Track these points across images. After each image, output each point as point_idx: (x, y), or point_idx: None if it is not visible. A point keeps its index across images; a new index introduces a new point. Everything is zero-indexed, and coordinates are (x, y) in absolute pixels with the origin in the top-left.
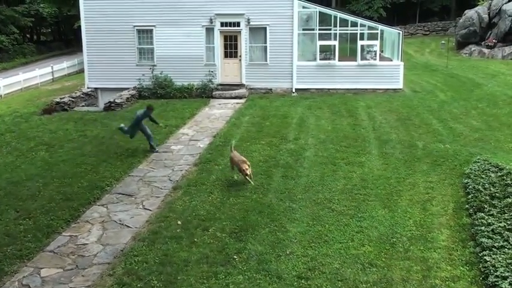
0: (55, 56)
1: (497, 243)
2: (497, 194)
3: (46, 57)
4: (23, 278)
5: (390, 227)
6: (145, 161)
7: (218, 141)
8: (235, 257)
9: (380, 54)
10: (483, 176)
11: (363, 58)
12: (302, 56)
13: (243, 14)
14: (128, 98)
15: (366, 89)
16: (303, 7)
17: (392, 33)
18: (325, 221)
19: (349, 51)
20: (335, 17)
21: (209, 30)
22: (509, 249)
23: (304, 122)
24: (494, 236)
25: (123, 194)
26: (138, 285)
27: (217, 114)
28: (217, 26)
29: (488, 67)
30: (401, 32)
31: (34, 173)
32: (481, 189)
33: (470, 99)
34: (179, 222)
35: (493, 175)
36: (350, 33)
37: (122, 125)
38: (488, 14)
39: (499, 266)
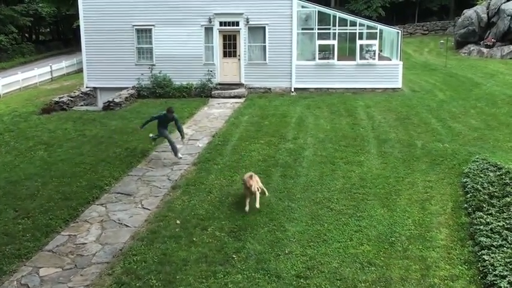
0: (54, 56)
1: (495, 242)
2: (495, 193)
3: (45, 57)
4: (22, 278)
5: (389, 226)
6: (144, 161)
7: (217, 140)
8: (234, 256)
9: (379, 53)
10: (482, 175)
11: (361, 57)
12: (301, 55)
13: (242, 14)
14: (126, 97)
15: (365, 89)
16: (302, 6)
17: (391, 32)
18: (324, 220)
19: (348, 51)
20: (334, 17)
21: (208, 30)
22: (507, 248)
23: (303, 122)
24: (492, 235)
25: (122, 194)
26: (137, 284)
27: (216, 113)
28: (216, 26)
29: (487, 66)
30: (400, 31)
31: (33, 172)
32: (479, 188)
33: (469, 99)
34: (178, 222)
35: (491, 174)
36: (349, 32)
37: (151, 135)
38: (487, 14)
39: (498, 265)
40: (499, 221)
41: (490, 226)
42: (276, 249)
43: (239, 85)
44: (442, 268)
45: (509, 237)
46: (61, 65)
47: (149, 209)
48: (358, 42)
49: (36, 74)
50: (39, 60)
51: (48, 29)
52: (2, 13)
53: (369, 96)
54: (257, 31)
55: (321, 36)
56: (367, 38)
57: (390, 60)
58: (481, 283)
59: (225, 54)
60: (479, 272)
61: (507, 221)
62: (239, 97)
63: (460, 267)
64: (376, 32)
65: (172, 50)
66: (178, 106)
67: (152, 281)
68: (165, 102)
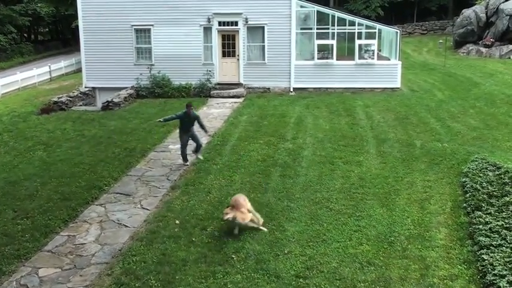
0: (53, 56)
1: (495, 242)
2: (494, 193)
3: (44, 57)
4: (21, 278)
5: (388, 225)
6: (143, 161)
7: (216, 140)
8: (233, 256)
9: (378, 53)
10: (481, 174)
11: (360, 57)
12: (300, 55)
13: (241, 13)
14: (125, 97)
15: (364, 88)
16: (301, 6)
17: (390, 32)
18: (323, 220)
19: (347, 51)
20: (333, 16)
21: (207, 30)
22: (506, 247)
23: (302, 121)
24: (492, 234)
25: (121, 194)
26: (136, 284)
27: (215, 113)
28: (215, 25)
29: (486, 66)
30: (399, 31)
31: (32, 172)
32: (478, 188)
33: (468, 98)
34: (177, 222)
35: (490, 174)
36: (348, 32)
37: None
38: (486, 13)
39: (497, 264)
40: (498, 221)
41: (489, 225)
42: (275, 249)
43: (238, 85)
44: (441, 268)
45: (508, 237)
46: (60, 65)
47: (148, 209)
48: (357, 42)
49: (35, 74)
50: (38, 60)
51: (47, 29)
52: (1, 13)
53: (368, 96)
54: (256, 31)
55: (320, 36)
56: (366, 38)
57: (389, 60)
58: (480, 283)
59: (224, 54)
60: (479, 272)
61: (506, 221)
62: (238, 97)
63: (459, 266)
64: (375, 32)
65: (171, 50)
66: (178, 106)
67: (151, 281)
68: (164, 102)
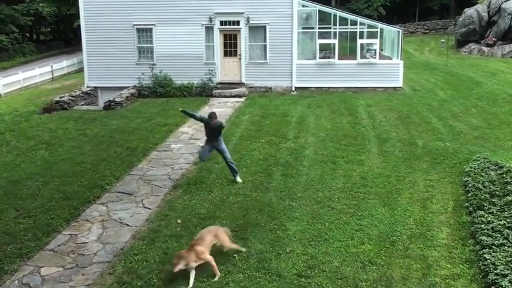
0: (55, 55)
1: (497, 241)
2: (497, 192)
3: (46, 56)
4: (23, 277)
5: (390, 225)
6: (145, 160)
7: None
8: (235, 255)
9: (380, 52)
10: (483, 174)
11: (362, 57)
12: (302, 54)
13: (242, 13)
14: (127, 96)
15: (366, 88)
16: (303, 6)
17: (392, 31)
18: (325, 220)
19: (348, 50)
20: (334, 16)
21: (209, 29)
22: (509, 247)
23: (304, 121)
24: (494, 234)
25: (123, 193)
26: (138, 283)
27: (217, 112)
28: (216, 25)
29: (488, 65)
30: (401, 30)
31: (34, 172)
32: (480, 187)
33: (470, 98)
34: (179, 221)
35: (492, 173)
36: (350, 31)
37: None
38: (488, 12)
39: (499, 264)
40: (500, 220)
41: (491, 225)
42: (277, 248)
43: (240, 84)
44: (443, 267)
45: (510, 236)
46: (62, 64)
47: (150, 208)
48: (359, 41)
49: (37, 73)
50: (40, 60)
51: (49, 29)
52: (3, 13)
53: (370, 95)
54: (258, 30)
55: (322, 36)
56: (368, 37)
57: (391, 59)
58: (482, 282)
59: (225, 54)
60: (481, 271)
61: (508, 220)
62: (240, 96)
63: (461, 266)
64: (377, 31)
65: (173, 50)
66: (179, 105)
67: (153, 280)
68: (166, 102)
